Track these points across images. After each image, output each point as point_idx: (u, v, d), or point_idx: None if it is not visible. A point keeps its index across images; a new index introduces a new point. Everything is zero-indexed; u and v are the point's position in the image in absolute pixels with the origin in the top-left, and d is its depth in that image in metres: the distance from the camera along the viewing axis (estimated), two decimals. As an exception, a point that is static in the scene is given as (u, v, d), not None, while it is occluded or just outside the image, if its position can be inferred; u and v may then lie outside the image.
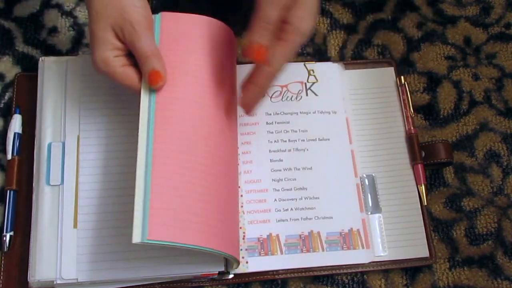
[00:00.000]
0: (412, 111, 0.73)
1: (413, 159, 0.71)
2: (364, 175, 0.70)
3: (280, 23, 0.55)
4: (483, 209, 0.71)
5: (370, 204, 0.69)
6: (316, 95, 0.73)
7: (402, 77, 0.75)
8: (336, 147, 0.71)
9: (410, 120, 0.73)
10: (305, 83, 0.74)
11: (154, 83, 0.58)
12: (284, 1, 0.55)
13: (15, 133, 0.67)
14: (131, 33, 0.58)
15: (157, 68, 0.58)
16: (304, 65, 0.75)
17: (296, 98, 0.73)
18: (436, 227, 0.70)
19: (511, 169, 0.73)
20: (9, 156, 0.67)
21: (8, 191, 0.66)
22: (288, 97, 0.73)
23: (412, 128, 0.72)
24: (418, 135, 0.73)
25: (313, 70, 0.74)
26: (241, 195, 0.67)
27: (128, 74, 0.59)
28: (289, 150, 0.70)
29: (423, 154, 0.71)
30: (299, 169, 0.69)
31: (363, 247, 0.67)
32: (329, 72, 0.74)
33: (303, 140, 0.71)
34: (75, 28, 0.76)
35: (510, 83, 0.78)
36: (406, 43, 0.79)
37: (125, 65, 0.59)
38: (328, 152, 0.70)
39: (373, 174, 0.71)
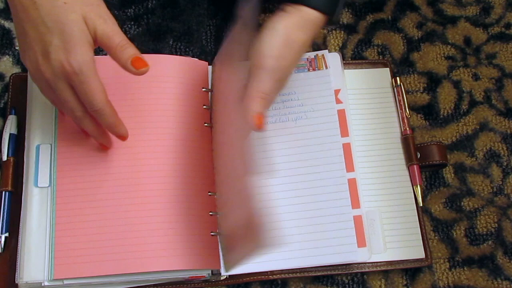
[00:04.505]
0: (408, 112, 0.73)
1: (409, 160, 0.71)
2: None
3: None
4: (483, 209, 0.71)
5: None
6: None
7: (398, 78, 0.74)
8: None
9: (405, 121, 0.72)
10: None
11: (140, 66, 0.55)
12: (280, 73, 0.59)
13: (10, 134, 0.67)
14: (104, 23, 0.54)
15: (137, 53, 0.56)
16: None
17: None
18: (436, 227, 0.70)
19: (511, 169, 0.73)
20: (5, 157, 0.67)
21: (4, 192, 0.66)
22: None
23: (407, 129, 0.72)
24: (418, 135, 0.73)
25: None
26: None
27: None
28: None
29: (419, 155, 0.71)
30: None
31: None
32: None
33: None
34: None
35: (510, 83, 0.78)
36: (406, 43, 0.79)
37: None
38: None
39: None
